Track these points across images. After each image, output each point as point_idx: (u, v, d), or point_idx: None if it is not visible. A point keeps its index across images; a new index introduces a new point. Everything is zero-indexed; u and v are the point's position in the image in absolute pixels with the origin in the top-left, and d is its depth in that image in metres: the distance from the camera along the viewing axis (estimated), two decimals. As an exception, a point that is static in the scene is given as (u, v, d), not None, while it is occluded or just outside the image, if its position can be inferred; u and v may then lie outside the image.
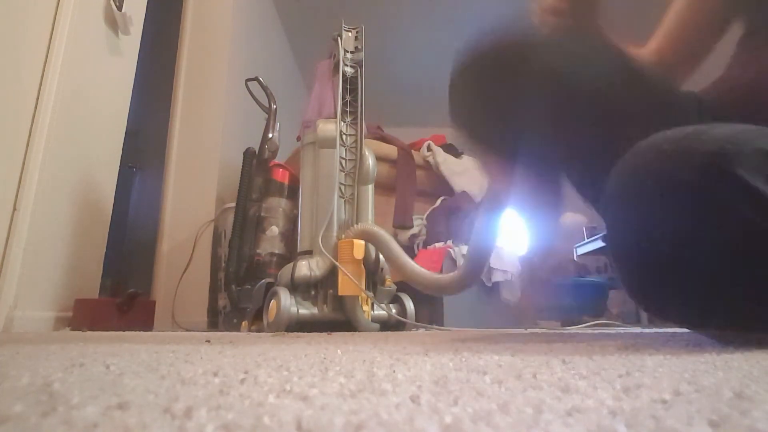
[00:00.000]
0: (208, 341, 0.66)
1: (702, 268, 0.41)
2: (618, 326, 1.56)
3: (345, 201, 1.30)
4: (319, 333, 0.98)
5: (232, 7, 2.29)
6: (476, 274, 1.02)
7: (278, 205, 1.77)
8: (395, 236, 1.88)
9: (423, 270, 1.11)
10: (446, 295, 1.17)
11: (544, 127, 0.61)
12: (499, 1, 2.96)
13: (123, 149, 1.66)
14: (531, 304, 1.17)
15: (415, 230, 1.89)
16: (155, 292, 1.94)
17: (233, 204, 1.77)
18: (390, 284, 1.29)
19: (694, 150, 0.41)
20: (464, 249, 1.69)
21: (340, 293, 1.16)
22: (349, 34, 1.41)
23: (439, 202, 1.99)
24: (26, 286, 1.18)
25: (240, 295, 1.58)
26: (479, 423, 0.17)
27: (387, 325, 1.25)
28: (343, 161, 1.32)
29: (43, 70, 1.27)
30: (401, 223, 1.89)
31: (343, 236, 1.23)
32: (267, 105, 1.86)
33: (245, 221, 1.71)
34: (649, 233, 0.43)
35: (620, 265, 0.47)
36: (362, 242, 1.20)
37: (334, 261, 1.19)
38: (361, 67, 1.38)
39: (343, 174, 1.31)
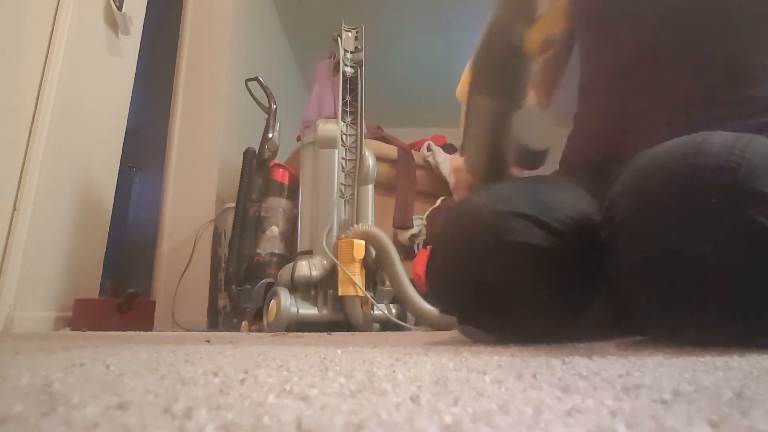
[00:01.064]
0: (208, 341, 0.66)
1: (731, 283, 0.40)
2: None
3: (345, 201, 1.30)
4: (319, 333, 0.98)
5: (232, 7, 2.29)
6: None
7: (278, 205, 1.77)
8: (395, 236, 1.88)
9: (414, 293, 1.18)
10: (424, 324, 1.21)
11: None
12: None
13: (123, 149, 1.66)
14: None
15: (415, 230, 1.89)
16: (155, 292, 1.94)
17: (233, 204, 1.77)
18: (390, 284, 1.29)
19: (703, 166, 0.41)
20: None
21: (340, 293, 1.16)
22: (349, 34, 1.41)
23: (439, 202, 1.99)
24: (26, 286, 1.18)
25: (240, 295, 1.58)
26: (479, 423, 0.17)
27: (387, 325, 1.25)
28: (343, 161, 1.32)
29: (43, 70, 1.26)
30: (401, 223, 1.89)
31: (343, 236, 1.23)
32: (267, 105, 1.86)
33: (245, 221, 1.71)
34: (674, 254, 0.42)
35: (638, 288, 0.45)
36: (362, 242, 1.20)
37: (335, 260, 1.19)
38: (361, 67, 1.38)
39: (343, 174, 1.31)
